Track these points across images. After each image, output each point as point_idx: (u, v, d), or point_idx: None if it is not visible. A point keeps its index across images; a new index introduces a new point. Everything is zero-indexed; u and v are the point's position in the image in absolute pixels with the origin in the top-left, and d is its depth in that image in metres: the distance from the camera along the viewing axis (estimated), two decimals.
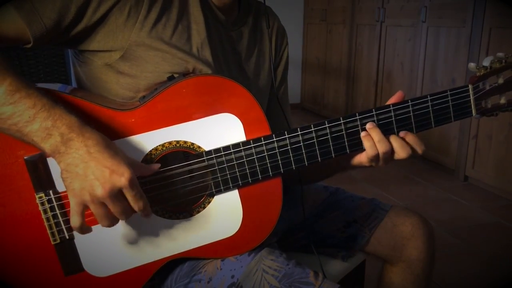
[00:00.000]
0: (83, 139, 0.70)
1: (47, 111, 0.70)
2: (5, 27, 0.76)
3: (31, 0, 0.76)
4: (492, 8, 2.72)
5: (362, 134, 0.84)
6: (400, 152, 0.85)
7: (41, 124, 0.70)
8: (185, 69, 0.86)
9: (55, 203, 0.77)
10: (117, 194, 0.70)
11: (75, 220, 0.71)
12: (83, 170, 0.69)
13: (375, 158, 0.85)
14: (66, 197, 0.76)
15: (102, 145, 0.70)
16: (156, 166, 0.77)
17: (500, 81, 0.87)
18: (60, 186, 0.76)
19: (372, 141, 0.84)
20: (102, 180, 0.68)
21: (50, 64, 1.52)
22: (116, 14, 0.81)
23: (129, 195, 0.71)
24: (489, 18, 2.73)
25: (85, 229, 0.73)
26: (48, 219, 0.77)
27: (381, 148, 0.84)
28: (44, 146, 0.70)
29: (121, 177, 0.69)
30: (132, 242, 0.81)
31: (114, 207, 0.71)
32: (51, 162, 0.75)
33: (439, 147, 3.23)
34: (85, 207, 0.71)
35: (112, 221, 0.73)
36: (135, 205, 0.72)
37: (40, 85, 0.76)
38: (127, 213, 0.73)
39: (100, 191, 0.68)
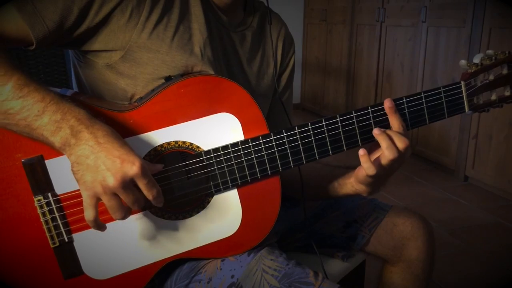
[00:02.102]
0: (92, 130, 0.70)
1: (56, 105, 0.70)
2: (7, 29, 0.76)
3: (33, 2, 0.76)
4: (492, 8, 2.71)
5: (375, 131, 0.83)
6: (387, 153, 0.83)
7: (50, 118, 0.70)
8: (184, 71, 0.85)
9: (53, 206, 0.76)
10: (129, 184, 0.70)
11: (88, 213, 0.71)
12: (94, 161, 0.69)
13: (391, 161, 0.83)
14: (64, 199, 0.76)
15: (111, 136, 0.70)
16: (159, 166, 0.77)
17: (491, 77, 0.89)
18: (58, 189, 0.76)
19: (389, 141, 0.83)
20: (113, 170, 0.68)
21: (50, 64, 1.51)
22: (118, 15, 0.81)
23: (141, 184, 0.71)
24: (489, 18, 2.73)
25: (99, 223, 0.73)
26: (47, 222, 0.76)
27: (391, 154, 0.82)
28: (54, 140, 0.70)
29: (133, 166, 0.68)
30: (132, 244, 0.81)
31: (127, 197, 0.70)
32: (49, 164, 0.75)
33: (439, 147, 3.23)
34: (98, 200, 0.71)
35: (125, 213, 0.72)
36: (149, 193, 0.72)
37: None
38: (140, 203, 0.72)
39: (112, 181, 0.68)
